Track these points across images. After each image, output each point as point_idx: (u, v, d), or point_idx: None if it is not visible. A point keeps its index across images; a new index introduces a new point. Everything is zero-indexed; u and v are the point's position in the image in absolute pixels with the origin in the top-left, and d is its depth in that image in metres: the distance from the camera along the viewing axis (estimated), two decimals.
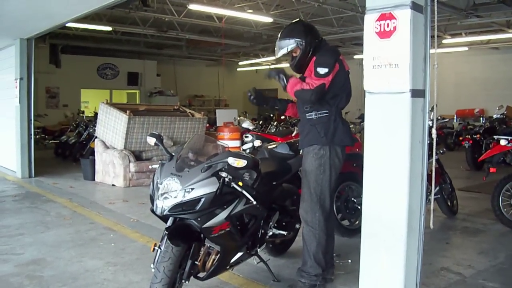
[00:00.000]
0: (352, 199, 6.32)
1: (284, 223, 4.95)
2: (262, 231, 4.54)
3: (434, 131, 3.70)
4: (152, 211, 3.69)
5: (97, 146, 10.95)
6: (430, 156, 6.57)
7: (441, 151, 7.26)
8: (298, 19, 4.78)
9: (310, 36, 4.45)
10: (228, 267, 4.19)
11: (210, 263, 3.87)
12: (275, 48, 4.51)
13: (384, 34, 3.45)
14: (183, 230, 3.67)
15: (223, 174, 3.65)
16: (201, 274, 3.91)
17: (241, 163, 3.55)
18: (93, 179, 10.99)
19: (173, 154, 3.91)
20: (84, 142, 13.49)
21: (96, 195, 9.51)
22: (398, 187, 3.42)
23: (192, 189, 3.54)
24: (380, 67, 3.48)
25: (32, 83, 11.44)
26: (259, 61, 26.83)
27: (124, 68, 25.27)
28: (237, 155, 3.61)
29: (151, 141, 4.06)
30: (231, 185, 3.69)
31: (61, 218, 7.35)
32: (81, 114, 18.71)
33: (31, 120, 11.47)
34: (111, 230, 6.70)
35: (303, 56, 4.44)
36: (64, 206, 8.23)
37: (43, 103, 21.90)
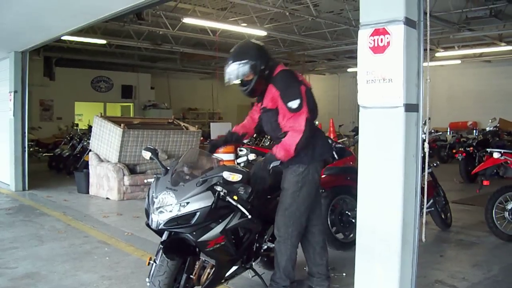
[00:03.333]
0: (346, 212, 6.34)
1: None
2: (257, 244, 4.53)
3: (426, 144, 3.74)
4: (148, 225, 3.71)
5: (91, 159, 10.94)
6: (423, 169, 6.65)
7: (435, 164, 7.30)
8: (247, 40, 4.52)
9: (263, 57, 4.22)
10: (223, 281, 4.19)
11: (205, 276, 3.87)
12: (226, 75, 4.19)
13: (377, 49, 3.48)
14: (178, 244, 3.68)
15: (218, 188, 3.66)
16: None
17: (236, 177, 3.57)
18: (87, 192, 10.96)
19: (168, 168, 3.92)
20: (78, 155, 13.48)
21: (90, 208, 9.48)
22: (392, 200, 3.44)
23: (188, 203, 3.56)
24: (374, 81, 3.51)
25: (26, 96, 11.43)
26: None
27: (118, 81, 25.27)
28: (232, 169, 3.63)
29: (146, 155, 4.07)
30: (226, 199, 3.70)
31: (55, 232, 7.32)
32: (75, 127, 18.72)
33: (25, 133, 11.44)
34: (105, 243, 6.68)
35: (259, 80, 4.21)
36: (58, 219, 8.20)
37: (37, 116, 21.84)
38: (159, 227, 3.58)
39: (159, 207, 3.60)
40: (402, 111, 3.38)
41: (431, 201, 6.85)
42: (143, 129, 10.95)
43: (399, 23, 3.35)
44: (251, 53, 4.19)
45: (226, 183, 3.70)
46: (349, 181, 6.40)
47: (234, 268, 4.21)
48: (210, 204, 3.60)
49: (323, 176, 6.65)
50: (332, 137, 9.10)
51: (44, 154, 17.89)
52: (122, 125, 10.44)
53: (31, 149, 17.16)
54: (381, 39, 3.45)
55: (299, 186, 4.28)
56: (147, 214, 3.73)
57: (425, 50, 3.58)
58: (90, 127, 13.78)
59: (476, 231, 7.35)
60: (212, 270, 3.87)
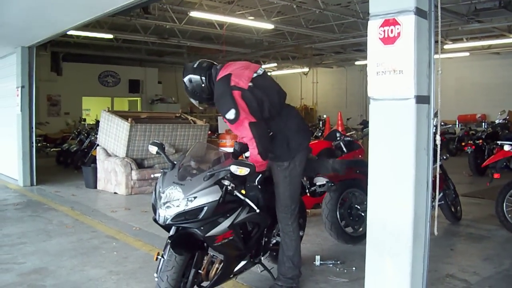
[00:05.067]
0: (356, 206, 6.30)
1: None
2: (266, 239, 4.51)
3: (438, 137, 3.67)
4: (155, 220, 3.68)
5: (99, 154, 10.92)
6: (434, 162, 6.58)
7: (444, 157, 7.22)
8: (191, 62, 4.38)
9: (200, 69, 4.14)
10: (231, 276, 4.17)
11: (213, 272, 3.85)
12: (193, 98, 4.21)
13: (388, 40, 3.42)
14: (186, 239, 3.65)
15: (226, 182, 3.64)
16: (204, 283, 3.90)
17: (243, 171, 3.53)
18: (95, 187, 10.96)
19: (175, 162, 3.88)
20: (86, 150, 13.48)
21: (98, 203, 9.47)
22: (403, 194, 3.39)
23: (195, 197, 3.53)
24: (384, 73, 3.45)
25: (34, 91, 11.42)
26: None
27: (126, 76, 25.33)
28: (240, 163, 3.58)
29: (153, 149, 4.05)
30: (234, 193, 3.67)
31: (63, 227, 7.32)
32: (83, 122, 18.72)
33: (32, 128, 11.43)
34: (113, 238, 6.66)
35: (209, 91, 4.13)
36: (66, 214, 8.20)
37: (45, 111, 21.93)
38: (167, 222, 3.54)
39: (166, 202, 3.57)
40: (413, 103, 3.32)
41: (441, 194, 6.78)
42: (150, 123, 10.91)
43: (410, 13, 3.29)
44: (193, 70, 4.14)
45: (233, 177, 3.67)
46: (358, 174, 6.36)
47: (242, 263, 4.18)
48: (217, 198, 3.57)
49: None
50: (340, 130, 9.03)
51: (52, 149, 17.94)
52: (129, 119, 10.41)
53: (38, 144, 17.19)
54: (391, 30, 3.39)
55: (288, 180, 4.28)
56: (154, 209, 3.70)
57: (436, 42, 3.51)
58: (97, 122, 13.77)
59: (486, 225, 7.29)
60: (221, 265, 3.84)
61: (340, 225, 6.12)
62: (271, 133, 4.22)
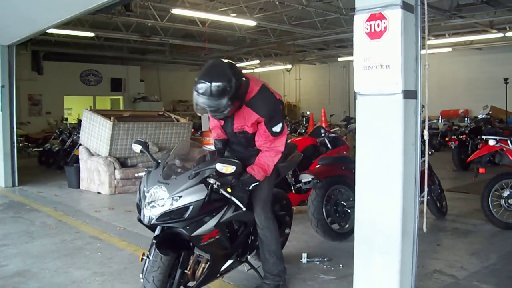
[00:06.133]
0: (342, 202, 6.26)
1: None
2: (252, 237, 4.45)
3: (426, 132, 3.65)
4: (139, 220, 3.60)
5: (82, 153, 10.79)
6: (421, 156, 6.58)
7: (429, 152, 7.21)
8: (216, 59, 3.94)
9: (237, 76, 3.72)
10: (218, 275, 4.12)
11: (200, 271, 3.80)
12: (200, 102, 3.65)
13: (374, 35, 3.39)
14: (171, 238, 3.60)
15: (211, 181, 3.57)
16: (191, 283, 3.84)
17: (229, 169, 3.48)
18: (78, 187, 10.82)
19: (159, 161, 3.80)
20: (68, 150, 13.33)
21: (81, 203, 9.34)
22: (391, 190, 3.37)
23: (180, 196, 3.46)
24: (371, 68, 3.43)
25: (14, 91, 11.21)
26: (243, 65, 26.79)
27: (107, 74, 25.16)
28: (225, 161, 3.53)
29: (137, 148, 3.97)
30: (220, 192, 3.61)
31: (46, 228, 7.19)
32: (65, 121, 18.53)
33: (13, 128, 11.22)
34: (97, 239, 6.57)
35: (235, 102, 3.76)
36: (49, 215, 8.07)
37: (26, 111, 21.68)
38: (152, 222, 3.47)
39: (151, 202, 3.49)
40: (401, 98, 3.30)
41: (427, 189, 6.77)
42: (133, 121, 10.82)
43: (396, 7, 3.26)
44: (225, 73, 3.65)
45: (219, 175, 3.61)
46: (344, 170, 6.34)
47: (229, 262, 4.14)
48: (203, 197, 3.51)
49: (317, 166, 6.63)
50: (324, 126, 9.01)
51: (33, 149, 17.71)
52: (112, 118, 10.31)
53: (20, 145, 16.95)
54: (378, 24, 3.37)
55: (266, 180, 4.18)
56: (139, 209, 3.62)
57: (422, 38, 3.48)
58: (79, 121, 13.62)
59: (472, 219, 7.31)
60: (207, 265, 3.80)
61: (326, 222, 6.08)
62: None
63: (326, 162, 6.60)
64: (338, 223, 6.30)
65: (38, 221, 7.64)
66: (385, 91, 3.36)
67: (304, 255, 5.42)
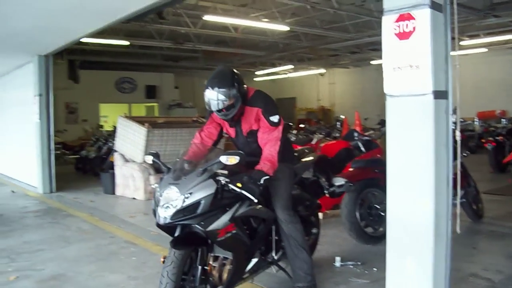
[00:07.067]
0: (375, 205, 6.21)
1: None
2: (277, 237, 4.49)
3: (458, 133, 3.60)
4: (158, 225, 3.70)
5: (117, 159, 10.94)
6: (454, 158, 6.47)
7: (464, 154, 7.09)
8: (222, 67, 4.52)
9: (241, 82, 4.24)
10: (245, 276, 4.18)
11: (225, 273, 3.85)
12: (209, 101, 4.13)
13: (403, 35, 3.37)
14: (188, 236, 3.72)
15: (221, 179, 3.70)
16: None
17: (233, 159, 3.60)
18: (114, 193, 10.97)
19: (170, 167, 3.94)
20: (104, 156, 13.51)
21: (116, 208, 9.49)
22: (423, 192, 3.33)
23: (191, 193, 3.57)
24: (401, 69, 3.40)
25: (51, 99, 11.49)
26: (276, 70, 26.83)
27: (142, 82, 25.48)
28: (229, 153, 3.65)
29: (149, 159, 4.12)
30: (230, 188, 3.72)
31: (81, 233, 7.33)
32: (100, 129, 18.83)
33: (50, 136, 11.51)
34: (132, 243, 6.65)
35: (239, 105, 4.22)
36: (85, 220, 8.22)
37: (63, 119, 22.11)
38: (166, 222, 3.58)
39: (164, 204, 3.61)
40: (431, 98, 3.26)
41: (462, 192, 6.66)
42: (167, 128, 10.91)
43: (425, 7, 3.24)
44: (231, 78, 4.19)
45: (228, 171, 3.79)
46: (377, 173, 6.28)
47: (254, 260, 4.21)
48: (213, 192, 3.62)
49: (350, 169, 6.58)
50: (358, 130, 8.95)
51: (70, 157, 18.03)
52: (146, 124, 10.43)
53: (57, 152, 17.28)
54: (406, 25, 3.35)
55: (288, 174, 4.53)
56: (155, 214, 3.73)
57: (453, 38, 3.44)
58: (115, 128, 13.80)
59: (508, 222, 7.17)
60: (231, 266, 3.86)
61: (360, 226, 6.05)
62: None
63: (359, 165, 6.55)
64: (372, 227, 6.25)
65: (74, 226, 7.79)
66: (415, 91, 3.33)
67: (338, 258, 5.40)
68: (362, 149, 7.40)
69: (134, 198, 10.27)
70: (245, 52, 21.27)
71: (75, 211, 9.07)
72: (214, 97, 4.09)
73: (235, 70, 4.32)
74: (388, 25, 3.46)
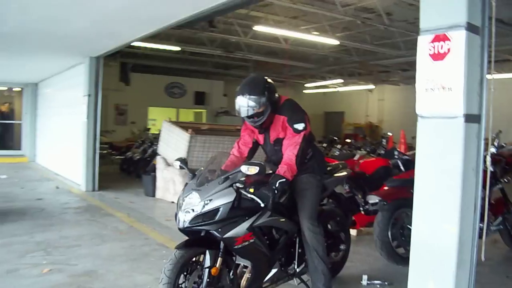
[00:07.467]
0: (408, 226, 6.10)
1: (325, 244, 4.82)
2: (300, 250, 4.51)
3: (488, 158, 3.53)
4: (180, 229, 3.83)
5: (159, 163, 11.10)
6: (494, 184, 6.29)
7: (505, 180, 6.91)
8: (255, 74, 4.65)
9: (272, 90, 4.34)
10: (265, 286, 4.24)
11: (244, 281, 3.95)
12: (238, 106, 4.25)
13: (437, 56, 3.34)
14: (198, 239, 3.85)
15: (237, 184, 3.78)
16: None
17: (253, 170, 3.66)
18: (154, 195, 11.13)
19: (196, 173, 4.06)
20: (148, 159, 13.71)
21: (154, 211, 9.63)
22: (448, 216, 3.28)
23: (210, 200, 3.69)
24: (433, 90, 3.37)
25: (100, 100, 11.77)
26: (326, 84, 26.73)
27: (192, 88, 25.81)
28: (250, 163, 3.71)
29: (176, 164, 4.29)
30: (242, 193, 3.80)
31: (117, 232, 7.49)
32: (147, 131, 19.11)
33: (96, 136, 11.78)
34: (164, 246, 6.74)
35: (268, 112, 4.32)
36: (122, 220, 8.39)
37: (112, 120, 22.60)
38: (185, 226, 3.70)
39: (185, 208, 3.74)
40: (462, 121, 3.22)
41: (500, 218, 6.48)
42: (210, 134, 11.00)
43: (461, 28, 3.20)
44: (262, 86, 4.28)
45: (252, 178, 3.85)
46: (411, 194, 6.17)
47: (273, 271, 4.26)
48: (231, 200, 3.72)
49: (385, 188, 6.51)
50: (402, 148, 8.86)
51: (116, 157, 18.37)
52: (189, 130, 10.54)
53: (104, 152, 17.68)
54: (441, 46, 3.31)
55: (317, 190, 4.58)
56: (176, 219, 3.86)
57: (489, 62, 3.39)
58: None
59: None
60: (250, 274, 3.94)
61: (391, 245, 5.96)
62: (311, 152, 4.58)
63: (394, 184, 6.45)
64: (404, 247, 6.13)
65: (111, 225, 7.96)
66: (446, 114, 3.29)
67: (365, 277, 5.35)
68: (402, 168, 7.31)
69: (173, 202, 10.37)
70: (295, 64, 21.30)
71: (114, 210, 9.26)
72: (244, 103, 4.20)
73: (268, 79, 4.40)
74: (423, 45, 3.44)
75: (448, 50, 3.26)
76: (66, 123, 14.34)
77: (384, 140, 19.43)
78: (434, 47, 3.36)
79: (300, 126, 4.27)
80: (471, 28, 3.21)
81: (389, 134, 19.68)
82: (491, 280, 5.39)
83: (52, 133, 16.52)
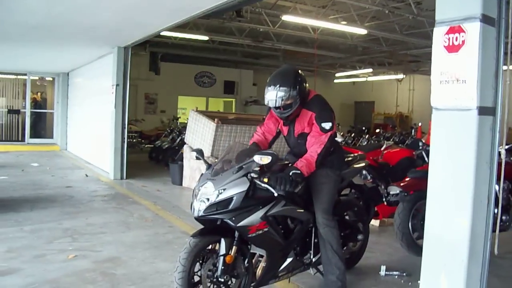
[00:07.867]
0: None
1: (342, 234, 4.84)
2: (316, 240, 4.54)
3: (503, 151, 3.50)
4: (196, 218, 3.90)
5: (186, 152, 11.20)
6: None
7: None
8: (288, 66, 4.63)
9: (302, 83, 4.33)
10: (281, 275, 4.29)
11: (260, 270, 4.03)
12: (268, 96, 4.26)
13: (452, 48, 3.32)
14: (214, 228, 3.93)
15: (252, 174, 3.81)
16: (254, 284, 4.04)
17: (266, 159, 3.71)
18: (181, 184, 11.25)
19: (211, 164, 4.14)
20: (177, 148, 13.80)
21: (180, 199, 9.74)
22: (460, 209, 3.27)
23: (224, 189, 3.76)
24: (448, 82, 3.35)
25: (128, 90, 11.90)
26: (356, 73, 26.54)
27: (221, 77, 25.93)
28: (263, 153, 3.76)
29: (193, 155, 4.33)
30: (256, 183, 3.84)
31: (142, 220, 7.62)
32: (176, 120, 19.27)
33: (125, 125, 11.93)
34: (187, 234, 6.77)
35: (297, 106, 4.34)
36: (148, 208, 8.52)
37: (142, 109, 22.84)
38: (200, 215, 3.79)
39: (200, 197, 3.80)
40: (475, 114, 3.19)
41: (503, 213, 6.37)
42: (237, 124, 11.05)
43: (475, 20, 3.17)
44: (293, 78, 4.28)
45: (262, 168, 3.86)
46: None
47: (288, 260, 4.30)
48: (245, 189, 3.77)
49: (407, 179, 6.48)
50: (429, 139, 8.79)
51: (146, 145, 18.58)
52: (216, 119, 10.60)
53: (134, 140, 17.91)
54: (456, 38, 3.29)
55: (335, 185, 4.59)
56: (191, 208, 3.93)
57: (505, 53, 3.35)
58: None
59: None
60: (266, 263, 4.01)
61: (412, 237, 5.94)
62: (332, 148, 4.52)
63: (416, 175, 6.41)
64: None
65: (137, 213, 8.10)
66: (460, 106, 3.27)
67: (383, 267, 5.35)
68: (426, 159, 7.27)
69: None
70: (325, 53, 21.16)
71: (141, 198, 9.41)
72: (273, 94, 4.21)
73: (299, 71, 4.41)
74: (438, 37, 3.42)
75: (463, 42, 3.24)
76: (95, 113, 14.56)
77: (413, 131, 19.33)
78: (449, 39, 3.33)
79: (327, 125, 4.29)
80: (486, 19, 3.18)
81: (419, 124, 19.53)
82: (507, 274, 5.34)
83: (83, 122, 16.79)
